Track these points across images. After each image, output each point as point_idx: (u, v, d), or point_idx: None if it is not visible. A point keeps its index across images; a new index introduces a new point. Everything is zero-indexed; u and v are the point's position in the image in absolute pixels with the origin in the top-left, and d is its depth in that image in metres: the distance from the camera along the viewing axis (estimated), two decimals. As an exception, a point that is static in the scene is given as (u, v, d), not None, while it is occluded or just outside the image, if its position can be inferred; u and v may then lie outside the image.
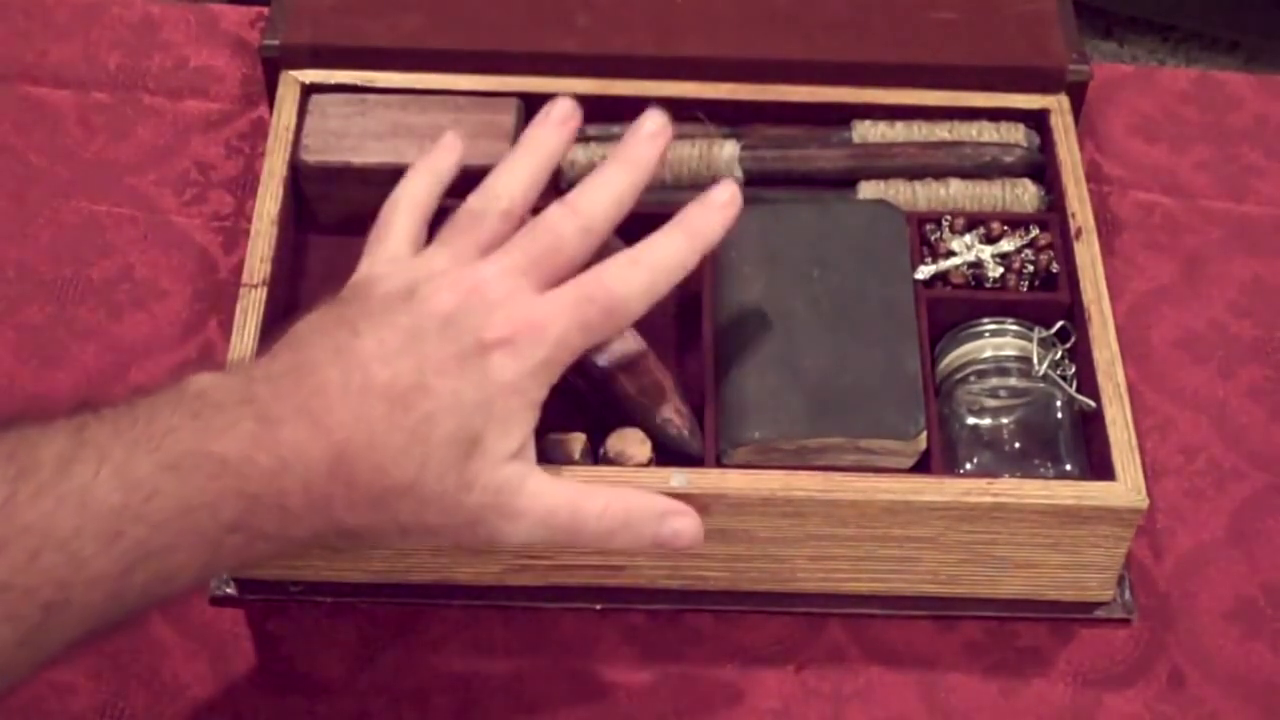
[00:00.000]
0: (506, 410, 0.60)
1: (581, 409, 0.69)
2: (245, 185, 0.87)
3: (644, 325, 0.73)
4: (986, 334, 0.75)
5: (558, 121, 0.70)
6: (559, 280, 0.63)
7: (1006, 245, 0.77)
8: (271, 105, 0.83)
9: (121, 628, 0.57)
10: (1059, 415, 0.74)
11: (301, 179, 0.79)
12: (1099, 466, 0.71)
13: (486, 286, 0.62)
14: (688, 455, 0.70)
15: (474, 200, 0.67)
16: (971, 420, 0.74)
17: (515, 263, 0.63)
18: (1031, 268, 0.77)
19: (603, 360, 0.71)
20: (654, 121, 0.67)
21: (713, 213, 0.66)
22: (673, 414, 0.70)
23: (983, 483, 0.69)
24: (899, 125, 0.83)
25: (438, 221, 0.68)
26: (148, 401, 0.57)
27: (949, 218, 0.78)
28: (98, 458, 0.54)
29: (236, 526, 0.57)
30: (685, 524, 0.64)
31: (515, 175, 0.68)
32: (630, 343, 0.72)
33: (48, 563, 0.53)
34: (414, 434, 0.58)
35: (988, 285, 0.77)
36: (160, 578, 0.56)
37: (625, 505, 0.63)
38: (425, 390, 0.59)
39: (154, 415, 0.56)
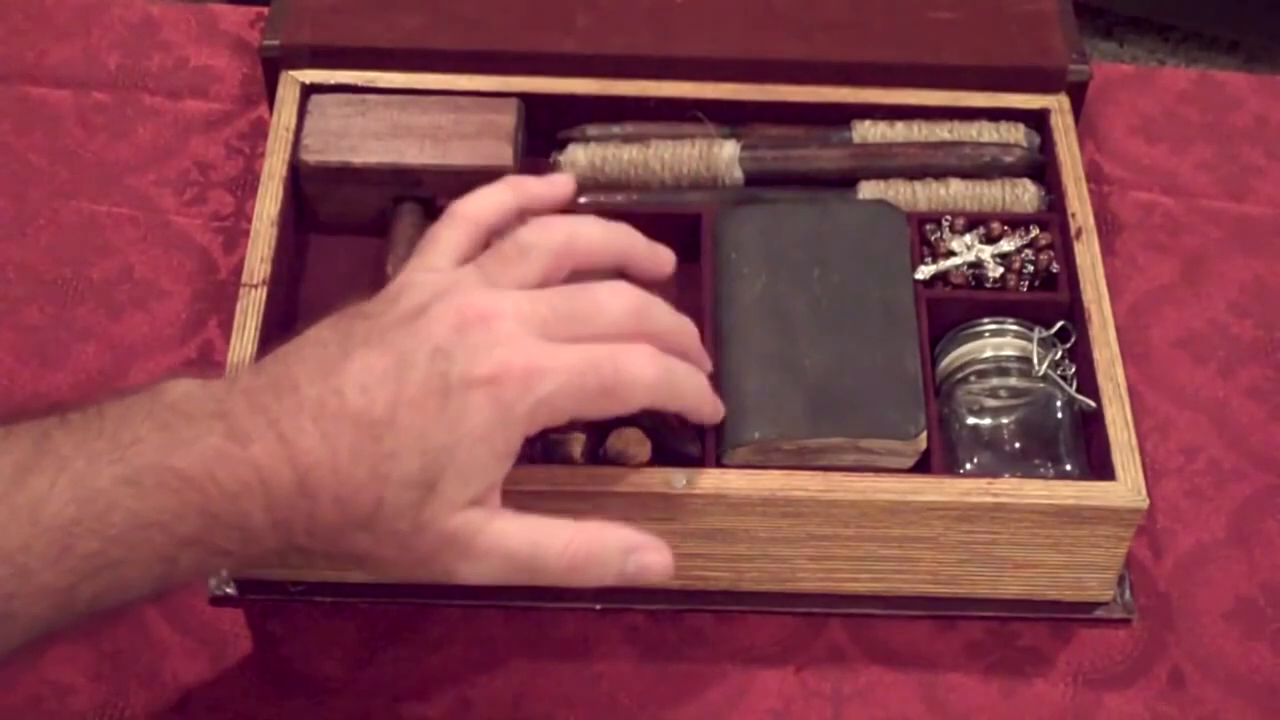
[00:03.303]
0: (469, 459, 0.58)
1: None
2: (245, 185, 0.87)
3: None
4: (986, 334, 0.75)
5: (657, 254, 0.67)
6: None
7: (1006, 245, 0.77)
8: (271, 105, 0.83)
9: (71, 634, 0.57)
10: (1059, 415, 0.74)
11: (301, 179, 0.79)
12: (1099, 466, 0.71)
13: (497, 321, 0.59)
14: (686, 455, 0.70)
15: (543, 232, 0.63)
16: (971, 420, 0.74)
17: (538, 311, 0.60)
18: (1031, 268, 0.77)
19: None
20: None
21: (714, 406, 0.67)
22: (671, 414, 0.70)
23: (983, 483, 0.69)
24: (899, 125, 0.83)
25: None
26: (119, 408, 0.56)
27: (949, 218, 0.78)
28: (56, 468, 0.54)
29: (193, 542, 0.56)
30: (653, 559, 0.61)
31: (604, 234, 0.64)
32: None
33: None
34: (374, 470, 0.57)
35: (988, 285, 0.77)
36: (111, 590, 0.55)
37: (588, 540, 0.60)
38: (393, 425, 0.57)
39: (121, 424, 0.55)
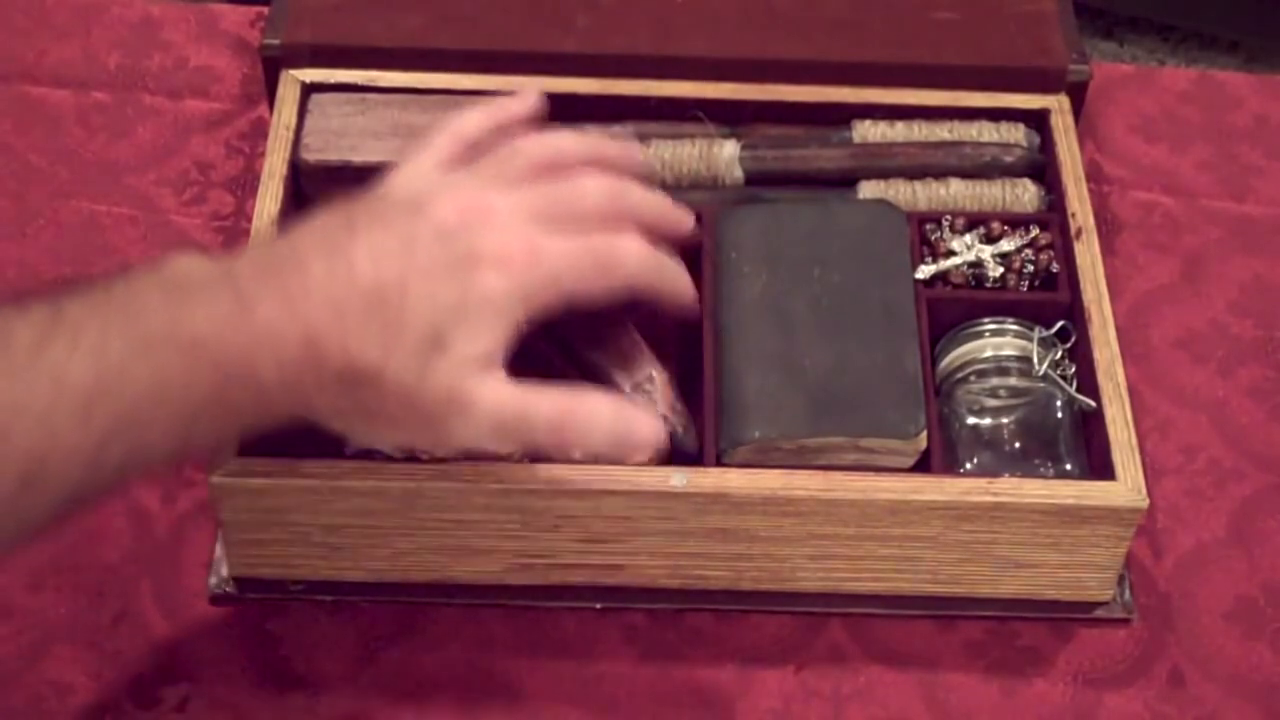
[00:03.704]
0: (479, 319, 0.61)
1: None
2: (245, 185, 0.87)
3: (642, 322, 0.73)
4: (986, 334, 0.75)
5: (628, 150, 0.72)
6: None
7: (1006, 245, 0.77)
8: (271, 105, 0.83)
9: (101, 499, 0.59)
10: (1059, 415, 0.74)
11: (302, 178, 0.79)
12: (1099, 466, 0.71)
13: (493, 210, 0.63)
14: (683, 453, 0.70)
15: (522, 141, 0.68)
16: (971, 420, 0.74)
17: (530, 201, 0.64)
18: (1031, 268, 0.77)
19: (597, 355, 0.71)
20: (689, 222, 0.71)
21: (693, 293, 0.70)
22: (667, 411, 0.70)
23: (983, 482, 0.69)
24: (899, 125, 0.83)
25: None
26: (126, 281, 0.59)
27: (949, 218, 0.78)
28: (72, 337, 0.56)
29: (210, 403, 0.58)
30: (643, 421, 0.64)
31: (577, 140, 0.69)
32: (626, 339, 0.72)
33: (22, 437, 0.54)
34: (385, 326, 0.60)
35: (988, 285, 0.77)
36: (136, 451, 0.57)
37: (577, 399, 0.63)
38: (404, 288, 0.60)
39: (130, 295, 0.58)
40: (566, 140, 0.69)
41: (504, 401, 0.62)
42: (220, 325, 0.58)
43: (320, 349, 0.59)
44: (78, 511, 0.58)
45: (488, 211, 0.63)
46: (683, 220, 0.70)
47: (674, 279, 0.68)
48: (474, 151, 0.68)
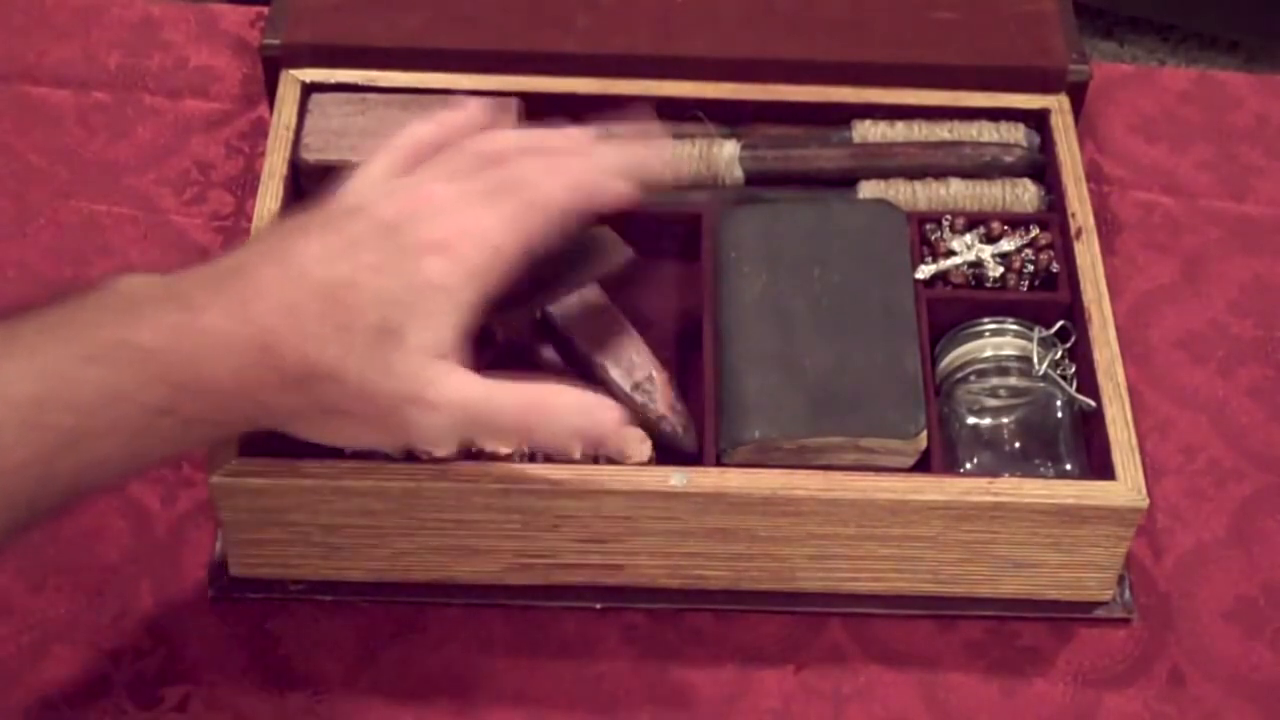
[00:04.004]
0: (430, 307, 0.62)
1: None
2: (245, 185, 0.87)
3: (641, 322, 0.73)
4: (986, 334, 0.75)
5: (545, 132, 0.71)
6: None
7: (1006, 245, 0.77)
8: (271, 105, 0.83)
9: (57, 514, 0.59)
10: (1059, 415, 0.74)
11: (302, 178, 0.79)
12: (1099, 466, 0.71)
13: (434, 197, 0.64)
14: (682, 452, 0.70)
15: (469, 141, 0.69)
16: (971, 420, 0.74)
17: (470, 186, 0.65)
18: (1031, 267, 0.77)
19: (597, 355, 0.71)
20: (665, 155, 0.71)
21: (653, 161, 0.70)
22: (667, 410, 0.70)
23: (983, 482, 0.69)
24: (899, 125, 0.83)
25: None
26: (76, 299, 0.59)
27: (949, 217, 0.78)
28: (20, 352, 0.56)
29: (163, 413, 0.58)
30: (610, 414, 0.63)
31: (523, 134, 0.70)
32: (626, 339, 0.72)
33: None
34: (339, 324, 0.60)
35: (988, 285, 0.77)
36: (90, 464, 0.58)
37: (542, 393, 0.63)
38: (354, 286, 0.61)
39: (80, 311, 0.59)
40: (511, 135, 0.69)
41: (466, 394, 0.62)
42: (168, 334, 0.58)
43: (276, 352, 0.59)
44: (34, 526, 0.58)
45: (428, 202, 0.64)
46: (642, 169, 0.69)
47: (612, 180, 0.67)
48: (423, 157, 0.68)
